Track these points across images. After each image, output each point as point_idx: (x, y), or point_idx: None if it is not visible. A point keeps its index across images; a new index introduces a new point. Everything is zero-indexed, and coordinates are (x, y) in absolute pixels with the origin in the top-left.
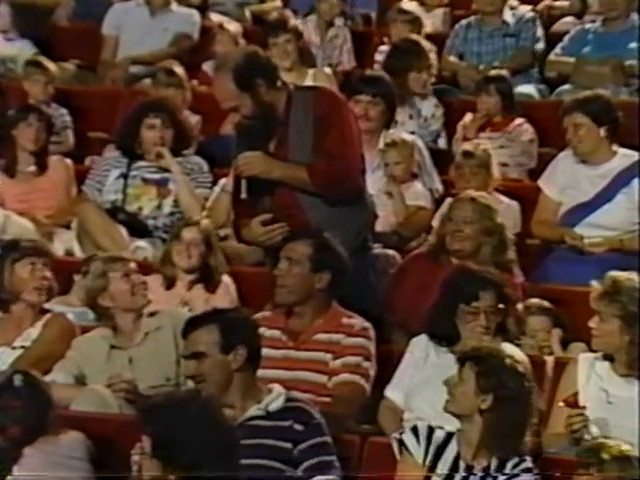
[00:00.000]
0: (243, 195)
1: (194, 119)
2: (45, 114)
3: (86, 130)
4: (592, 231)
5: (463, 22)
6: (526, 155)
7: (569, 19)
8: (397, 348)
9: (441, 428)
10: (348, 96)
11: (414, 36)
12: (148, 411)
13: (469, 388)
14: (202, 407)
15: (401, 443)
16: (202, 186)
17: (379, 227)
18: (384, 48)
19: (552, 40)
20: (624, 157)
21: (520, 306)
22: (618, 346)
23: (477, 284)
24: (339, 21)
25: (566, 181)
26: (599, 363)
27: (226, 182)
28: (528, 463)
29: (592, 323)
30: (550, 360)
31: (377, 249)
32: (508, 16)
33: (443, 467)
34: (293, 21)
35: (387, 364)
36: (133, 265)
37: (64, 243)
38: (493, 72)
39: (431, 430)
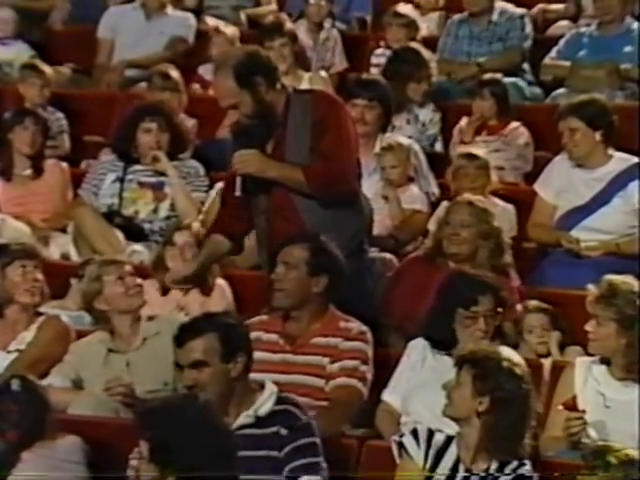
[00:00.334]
0: (237, 192)
1: (190, 123)
2: (41, 118)
3: (82, 134)
4: (588, 235)
5: (455, 18)
6: (522, 159)
7: (564, 23)
8: (394, 351)
9: (440, 431)
10: (344, 100)
11: (414, 44)
12: (145, 415)
13: (466, 391)
14: (199, 411)
15: (401, 446)
16: (198, 190)
17: (375, 231)
18: (380, 51)
19: (547, 44)
20: (620, 161)
21: (519, 307)
22: (615, 349)
23: (476, 288)
24: (327, 23)
25: (562, 185)
26: (596, 367)
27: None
28: (527, 467)
29: (589, 327)
30: (547, 363)
31: (374, 253)
32: (496, 16)
33: (443, 470)
34: (289, 25)
35: (384, 368)
36: (128, 267)
37: (60, 247)
38: (487, 76)
39: (431, 433)
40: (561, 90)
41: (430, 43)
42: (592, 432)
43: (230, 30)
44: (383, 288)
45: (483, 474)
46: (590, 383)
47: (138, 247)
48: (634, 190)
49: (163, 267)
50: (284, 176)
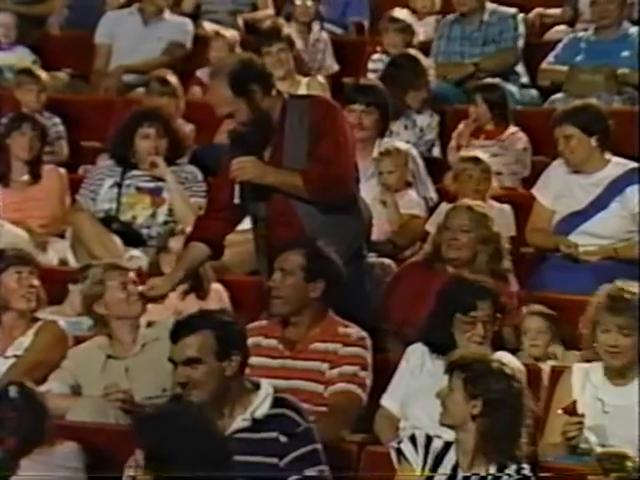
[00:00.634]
0: (236, 200)
1: (188, 128)
2: (39, 123)
3: (79, 139)
4: (586, 239)
5: (447, 19)
6: (520, 164)
7: (561, 27)
8: (393, 357)
9: (439, 437)
10: (342, 105)
11: (413, 51)
12: (140, 424)
13: (459, 396)
14: (195, 419)
15: (399, 452)
16: (196, 195)
17: (373, 236)
18: (377, 57)
19: (544, 48)
20: (617, 165)
21: (523, 311)
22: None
23: (475, 294)
24: (316, 25)
25: (560, 189)
26: (593, 372)
27: None
28: (526, 470)
29: (611, 340)
30: (546, 368)
31: (372, 258)
32: (487, 16)
33: (441, 476)
34: (286, 30)
35: (383, 373)
36: (132, 275)
37: (58, 252)
38: (482, 81)
39: (429, 439)
40: (559, 95)
41: (427, 48)
42: (592, 437)
43: (230, 34)
44: (382, 293)
45: (482, 479)
46: (588, 389)
47: (136, 252)
48: (632, 195)
49: (159, 273)
50: (282, 182)
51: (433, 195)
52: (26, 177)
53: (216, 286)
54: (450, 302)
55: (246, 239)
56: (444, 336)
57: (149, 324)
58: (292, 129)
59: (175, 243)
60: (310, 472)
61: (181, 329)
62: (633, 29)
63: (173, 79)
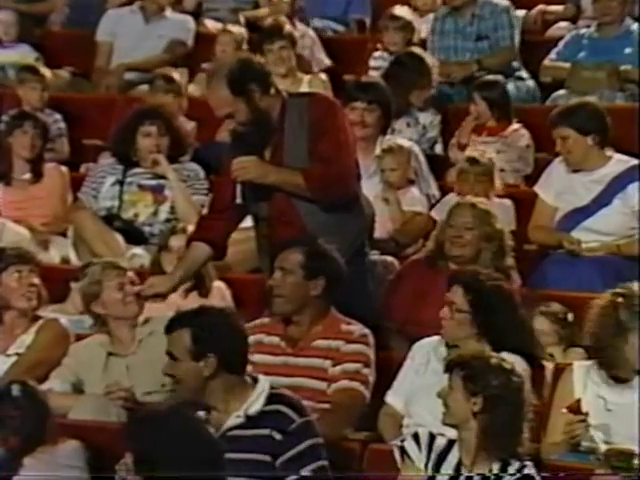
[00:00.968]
0: (238, 200)
1: (190, 125)
2: (40, 121)
3: (81, 137)
4: (589, 236)
5: (439, 14)
6: (523, 161)
7: (563, 24)
8: (396, 354)
9: (442, 435)
10: (344, 103)
11: (417, 50)
12: (129, 427)
13: (459, 394)
14: (183, 421)
15: (402, 450)
16: (198, 193)
17: (376, 233)
18: (378, 54)
19: (546, 45)
20: (619, 162)
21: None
22: None
23: None
24: (300, 22)
25: (562, 186)
26: (595, 371)
27: None
28: (530, 468)
29: None
30: (549, 366)
31: (374, 256)
32: (479, 9)
33: (445, 474)
34: (288, 27)
35: (386, 371)
36: (130, 275)
37: (60, 251)
38: (480, 80)
39: (432, 437)
40: (561, 92)
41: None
42: (596, 435)
43: (237, 30)
44: (384, 291)
45: (485, 477)
46: (590, 387)
47: (138, 250)
48: (633, 192)
49: (161, 271)
50: (284, 181)
51: (435, 192)
52: (28, 175)
53: (218, 284)
54: None
55: (248, 237)
56: None
57: (145, 321)
58: (292, 128)
59: (177, 241)
60: (308, 469)
61: (169, 324)
62: (635, 26)
63: (177, 77)
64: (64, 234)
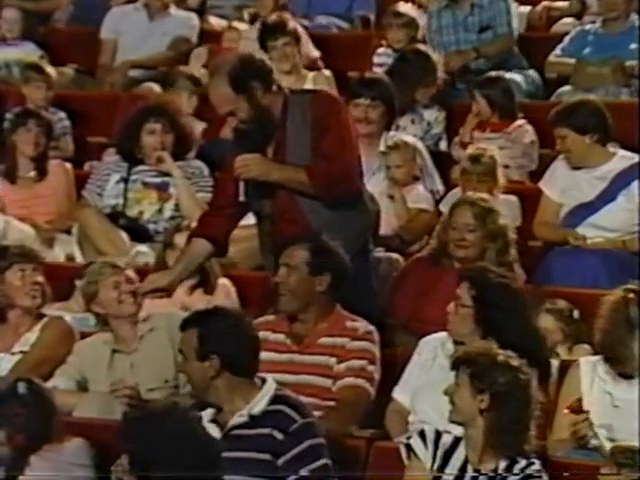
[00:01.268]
0: (241, 198)
1: (200, 126)
2: (44, 119)
3: (85, 135)
4: (594, 232)
5: (434, 8)
6: (527, 157)
7: (568, 20)
8: (401, 351)
9: (448, 432)
10: (347, 100)
11: (423, 47)
12: (124, 428)
13: (466, 392)
14: (178, 421)
15: (408, 447)
16: (203, 190)
17: (381, 230)
18: (382, 50)
19: (552, 41)
20: (623, 159)
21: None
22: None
23: None
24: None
25: (566, 183)
26: (601, 366)
27: None
28: (536, 466)
29: None
30: (555, 363)
31: (380, 252)
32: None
33: (451, 472)
34: (292, 24)
35: (391, 368)
36: (129, 273)
37: (65, 248)
38: (481, 77)
39: (438, 434)
40: (566, 87)
41: None
42: (600, 432)
43: (243, 26)
44: (388, 288)
45: (491, 474)
46: (597, 383)
47: (143, 248)
48: (637, 188)
49: (165, 269)
50: (287, 178)
51: (440, 187)
52: (32, 173)
53: (223, 281)
54: None
55: (252, 234)
56: None
57: (146, 317)
58: (294, 125)
59: (181, 239)
60: (309, 468)
61: (183, 322)
62: None
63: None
64: (69, 232)
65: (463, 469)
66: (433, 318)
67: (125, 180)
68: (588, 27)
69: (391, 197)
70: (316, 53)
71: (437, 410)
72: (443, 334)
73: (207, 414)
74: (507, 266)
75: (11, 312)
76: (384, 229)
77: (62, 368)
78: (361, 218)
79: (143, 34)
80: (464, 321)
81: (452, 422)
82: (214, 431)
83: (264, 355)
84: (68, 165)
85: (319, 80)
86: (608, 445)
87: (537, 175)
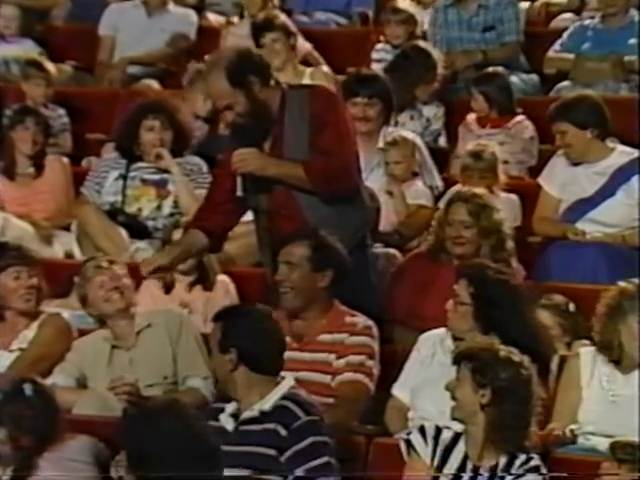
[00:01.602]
0: (238, 192)
1: (204, 128)
2: (42, 116)
3: (84, 132)
4: (593, 227)
5: (440, 4)
6: (527, 153)
7: (567, 15)
8: (400, 347)
9: (448, 428)
10: (345, 98)
11: (423, 44)
12: (121, 426)
13: (467, 387)
14: (176, 418)
15: (408, 443)
16: (202, 187)
17: (380, 226)
18: (380, 46)
19: (551, 37)
20: (622, 154)
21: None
22: None
23: None
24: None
25: (565, 178)
26: (601, 360)
27: None
28: (536, 461)
29: None
30: (555, 357)
31: (379, 248)
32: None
33: (451, 468)
34: (281, 19)
35: (390, 364)
36: (114, 269)
37: (64, 245)
38: (478, 74)
39: (439, 430)
40: (565, 83)
41: None
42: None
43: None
44: (387, 284)
45: (491, 470)
46: (596, 377)
47: (142, 245)
48: (637, 184)
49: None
50: (285, 173)
51: (439, 183)
52: (30, 170)
53: (222, 277)
54: None
55: (251, 231)
56: None
57: (142, 313)
58: (292, 120)
59: (180, 235)
60: (312, 465)
61: (214, 316)
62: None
63: None
64: (68, 229)
65: (463, 465)
66: (432, 314)
67: (124, 177)
68: (587, 22)
69: (390, 193)
70: (307, 46)
71: (437, 406)
72: (442, 330)
73: (229, 407)
74: (502, 262)
75: (7, 312)
76: (383, 225)
77: (61, 365)
78: (359, 214)
79: (141, 31)
80: (463, 318)
81: (454, 419)
82: (229, 424)
83: None
84: (65, 160)
85: (317, 76)
86: (606, 441)
87: (536, 171)
